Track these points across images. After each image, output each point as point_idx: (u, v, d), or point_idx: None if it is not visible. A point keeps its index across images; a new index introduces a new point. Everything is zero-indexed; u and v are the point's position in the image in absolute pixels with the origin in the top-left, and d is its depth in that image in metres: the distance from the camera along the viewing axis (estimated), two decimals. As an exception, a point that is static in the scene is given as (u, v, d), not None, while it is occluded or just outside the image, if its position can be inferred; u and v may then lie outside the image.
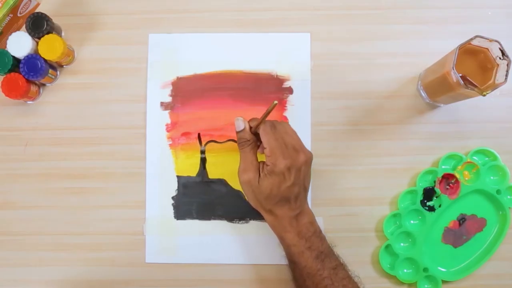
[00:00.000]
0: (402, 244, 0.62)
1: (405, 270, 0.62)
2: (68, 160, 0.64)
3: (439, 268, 0.62)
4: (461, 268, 0.62)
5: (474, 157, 0.62)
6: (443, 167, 0.62)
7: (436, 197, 0.61)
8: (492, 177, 0.62)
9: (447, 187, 0.62)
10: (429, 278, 0.61)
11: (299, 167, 0.53)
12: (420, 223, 0.62)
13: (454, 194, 0.61)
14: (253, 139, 0.55)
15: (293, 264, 0.55)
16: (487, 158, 0.62)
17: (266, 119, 0.54)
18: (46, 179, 0.64)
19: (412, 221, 0.62)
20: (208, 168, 0.63)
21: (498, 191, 0.61)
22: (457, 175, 0.61)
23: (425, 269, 0.61)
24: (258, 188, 0.53)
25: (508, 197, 0.62)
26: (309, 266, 0.53)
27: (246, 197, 0.56)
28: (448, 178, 0.62)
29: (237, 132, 0.56)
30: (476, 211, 0.62)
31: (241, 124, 0.56)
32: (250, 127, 0.56)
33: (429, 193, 0.62)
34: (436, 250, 0.62)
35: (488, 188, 0.61)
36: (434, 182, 0.61)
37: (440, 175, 0.61)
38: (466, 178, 0.62)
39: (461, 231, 0.62)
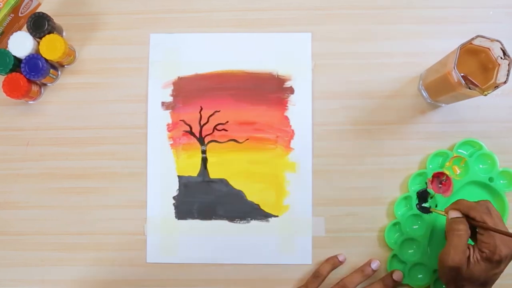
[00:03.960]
0: (407, 251, 0.62)
1: (416, 276, 0.61)
2: (69, 160, 0.64)
3: None
4: None
5: (460, 150, 0.62)
6: (430, 166, 0.62)
7: (431, 197, 0.61)
8: (481, 166, 0.62)
9: (440, 185, 0.61)
10: None
11: None
12: (420, 227, 0.61)
13: (447, 192, 0.61)
14: (468, 228, 0.52)
15: None
16: (472, 149, 0.62)
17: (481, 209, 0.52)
18: (47, 179, 0.64)
19: (412, 226, 0.62)
20: (209, 168, 0.63)
21: (490, 179, 0.61)
22: (447, 172, 0.61)
23: (436, 271, 0.60)
24: (465, 273, 0.51)
25: (501, 181, 0.61)
26: None
27: (439, 274, 0.55)
28: (439, 177, 0.61)
29: (453, 219, 0.53)
30: None
31: (457, 214, 0.53)
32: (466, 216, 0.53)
33: (423, 196, 0.61)
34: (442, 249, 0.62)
35: (480, 177, 0.61)
36: (426, 183, 0.61)
37: (430, 176, 0.61)
38: (457, 173, 0.61)
39: (463, 225, 0.62)
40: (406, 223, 0.61)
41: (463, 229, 0.52)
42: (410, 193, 0.61)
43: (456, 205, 0.54)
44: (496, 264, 0.51)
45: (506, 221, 0.61)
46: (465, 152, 0.62)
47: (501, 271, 0.52)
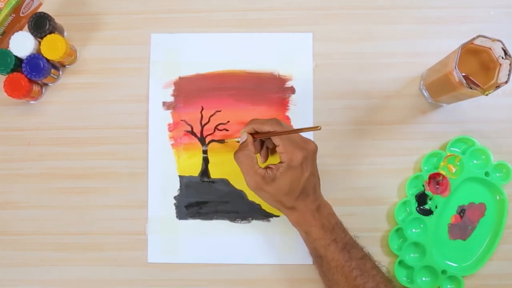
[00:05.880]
0: (412, 255, 0.62)
1: (424, 279, 0.61)
2: (70, 160, 0.64)
3: (457, 265, 0.61)
4: (478, 258, 0.61)
5: (453, 149, 0.62)
6: (425, 168, 0.62)
7: (430, 199, 0.61)
8: (475, 161, 0.62)
9: (437, 186, 0.61)
10: (451, 279, 0.61)
11: (312, 156, 0.54)
12: (423, 230, 0.61)
13: (445, 191, 0.61)
14: (250, 151, 0.54)
15: (320, 258, 0.55)
16: (465, 146, 0.62)
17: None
18: (48, 179, 0.64)
19: (414, 230, 0.62)
20: (210, 167, 0.63)
21: (486, 173, 0.61)
22: (443, 172, 0.61)
23: (444, 272, 0.60)
24: (275, 188, 0.53)
25: (497, 175, 0.62)
26: (336, 258, 0.53)
27: (266, 202, 0.55)
28: (435, 177, 0.61)
29: (235, 152, 0.55)
30: (472, 199, 0.62)
31: (244, 137, 0.55)
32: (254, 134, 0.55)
33: (422, 198, 0.61)
34: (447, 249, 0.62)
35: (475, 173, 0.61)
36: (423, 186, 0.61)
37: (426, 178, 0.61)
38: (452, 171, 0.61)
39: (465, 222, 0.62)
40: (408, 227, 0.61)
41: (243, 154, 0.54)
42: (408, 197, 0.61)
43: (248, 125, 0.55)
44: (299, 169, 0.53)
45: (507, 212, 0.61)
46: (458, 150, 0.62)
47: (311, 174, 0.54)
